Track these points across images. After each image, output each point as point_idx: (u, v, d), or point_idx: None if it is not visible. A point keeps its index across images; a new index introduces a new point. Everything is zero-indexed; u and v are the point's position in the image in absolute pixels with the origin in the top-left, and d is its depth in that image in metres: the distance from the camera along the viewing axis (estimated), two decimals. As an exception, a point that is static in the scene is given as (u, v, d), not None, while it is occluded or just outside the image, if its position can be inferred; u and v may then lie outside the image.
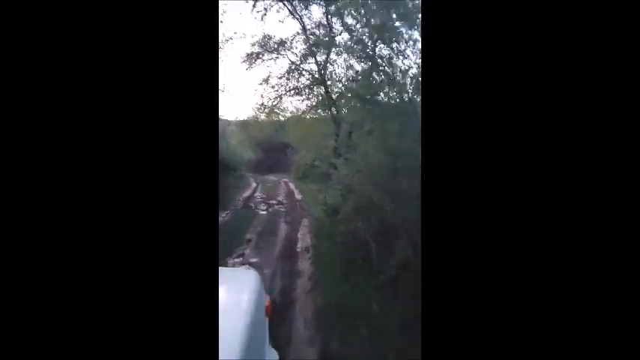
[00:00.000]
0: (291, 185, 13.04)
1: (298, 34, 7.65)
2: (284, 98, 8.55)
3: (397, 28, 4.21)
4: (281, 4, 7.22)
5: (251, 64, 8.27)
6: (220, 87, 7.97)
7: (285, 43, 7.85)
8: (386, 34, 4.22)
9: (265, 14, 7.15)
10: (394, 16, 4.06)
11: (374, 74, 4.61)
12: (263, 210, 8.06)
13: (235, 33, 10.42)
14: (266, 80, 8.36)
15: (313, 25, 7.37)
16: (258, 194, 10.48)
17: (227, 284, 1.27)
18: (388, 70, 4.38)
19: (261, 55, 8.05)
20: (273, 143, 21.80)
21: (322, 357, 2.45)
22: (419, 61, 3.76)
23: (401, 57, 4.36)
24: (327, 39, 7.07)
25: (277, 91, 8.29)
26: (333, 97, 7.68)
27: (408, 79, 3.98)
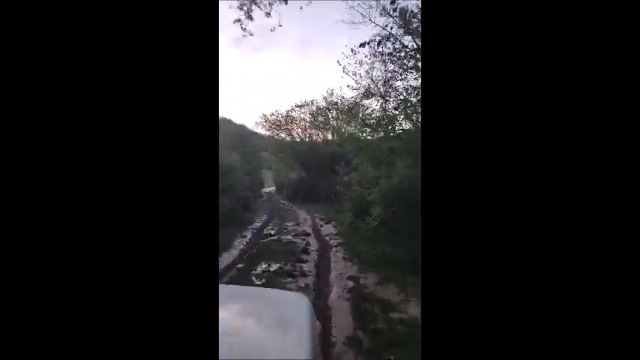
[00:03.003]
0: (334, 262, 4.36)
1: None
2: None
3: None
4: None
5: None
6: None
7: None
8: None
9: None
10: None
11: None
12: None
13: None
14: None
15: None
16: None
17: (282, 306, 1.22)
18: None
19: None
20: (319, 154, 13.83)
21: None
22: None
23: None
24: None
25: None
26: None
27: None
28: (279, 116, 15.94)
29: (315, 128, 15.30)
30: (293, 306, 1.22)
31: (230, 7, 4.63)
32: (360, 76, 6.87)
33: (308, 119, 15.52)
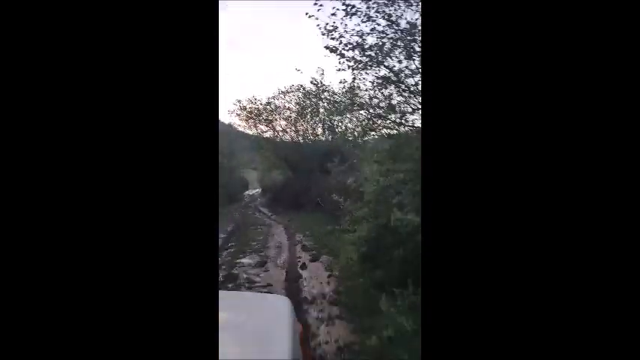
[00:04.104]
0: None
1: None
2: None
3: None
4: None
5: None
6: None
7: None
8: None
9: None
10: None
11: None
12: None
13: None
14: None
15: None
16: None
17: (261, 310, 1.21)
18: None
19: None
20: (306, 149, 10.86)
21: None
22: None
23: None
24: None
25: None
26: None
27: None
28: (258, 103, 12.69)
29: (302, 119, 12.10)
30: (272, 308, 1.20)
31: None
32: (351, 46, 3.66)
33: (294, 109, 12.32)
